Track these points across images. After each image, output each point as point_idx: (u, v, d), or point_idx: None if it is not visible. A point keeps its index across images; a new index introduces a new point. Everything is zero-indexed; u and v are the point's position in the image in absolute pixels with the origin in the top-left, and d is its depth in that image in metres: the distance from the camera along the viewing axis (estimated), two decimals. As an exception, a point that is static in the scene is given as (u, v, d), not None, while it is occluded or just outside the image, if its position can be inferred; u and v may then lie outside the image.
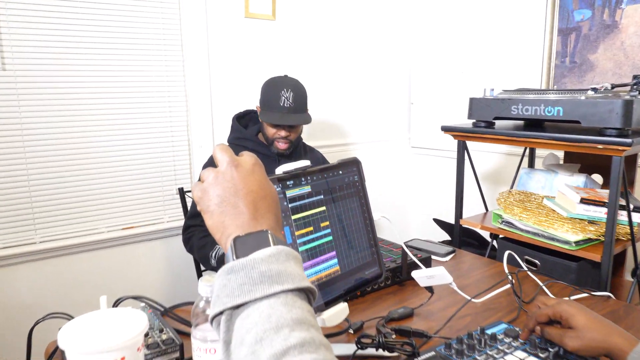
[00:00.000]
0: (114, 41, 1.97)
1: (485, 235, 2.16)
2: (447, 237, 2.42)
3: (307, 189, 0.80)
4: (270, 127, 1.77)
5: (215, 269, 1.72)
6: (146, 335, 0.91)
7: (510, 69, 2.34)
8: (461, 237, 1.75)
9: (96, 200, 2.01)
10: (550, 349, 0.89)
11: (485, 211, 1.81)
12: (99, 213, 2.02)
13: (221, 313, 0.49)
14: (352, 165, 0.89)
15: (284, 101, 1.72)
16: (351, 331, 1.02)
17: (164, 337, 0.91)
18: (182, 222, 2.22)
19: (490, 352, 0.89)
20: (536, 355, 0.88)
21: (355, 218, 0.87)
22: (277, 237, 0.55)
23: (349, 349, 0.92)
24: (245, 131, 1.86)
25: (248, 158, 0.62)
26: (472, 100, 1.55)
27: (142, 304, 0.99)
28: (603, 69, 2.02)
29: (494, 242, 1.80)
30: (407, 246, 1.20)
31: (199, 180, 0.63)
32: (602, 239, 1.33)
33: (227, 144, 1.89)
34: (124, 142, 2.05)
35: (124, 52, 2.00)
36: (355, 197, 0.88)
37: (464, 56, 2.57)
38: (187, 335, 0.96)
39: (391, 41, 2.81)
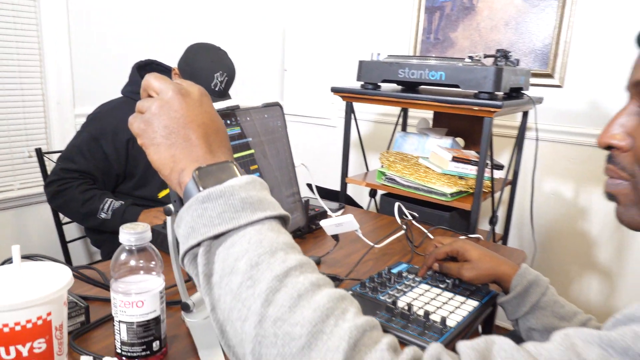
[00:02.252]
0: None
1: (356, 198, 2.31)
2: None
3: (237, 130, 0.77)
4: None
5: (103, 225, 1.54)
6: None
7: (383, 41, 2.48)
8: (340, 198, 1.84)
9: None
10: (448, 281, 1.00)
11: (366, 171, 1.92)
12: None
13: (198, 245, 0.45)
14: (276, 110, 0.88)
15: (217, 85, 1.56)
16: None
17: (65, 299, 0.81)
18: (38, 189, 1.96)
19: (399, 287, 0.97)
20: (437, 286, 0.98)
21: (281, 163, 0.87)
22: (239, 168, 0.52)
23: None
24: None
25: (195, 88, 0.56)
26: (361, 62, 1.62)
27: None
28: (461, 46, 2.26)
29: (375, 199, 1.93)
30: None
31: (137, 112, 0.56)
32: (471, 191, 1.52)
33: (121, 95, 1.69)
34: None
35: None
36: (280, 142, 0.87)
37: (339, 26, 2.64)
38: (91, 299, 0.87)
39: (264, 6, 2.77)
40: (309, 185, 2.62)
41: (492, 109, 1.35)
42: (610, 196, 0.57)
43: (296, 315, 0.39)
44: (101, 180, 1.59)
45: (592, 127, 1.96)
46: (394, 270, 1.04)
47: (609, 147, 0.56)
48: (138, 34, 2.19)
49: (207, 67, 1.55)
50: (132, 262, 0.70)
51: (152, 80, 0.55)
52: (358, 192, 2.47)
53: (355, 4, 2.57)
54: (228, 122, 0.75)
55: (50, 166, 1.80)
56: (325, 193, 2.54)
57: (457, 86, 1.43)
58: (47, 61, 1.92)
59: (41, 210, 1.98)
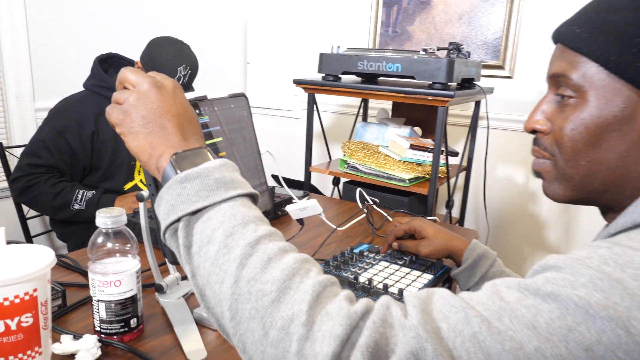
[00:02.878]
0: None
1: (320, 186, 2.38)
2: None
3: (205, 119, 0.81)
4: None
5: (77, 216, 1.55)
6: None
7: (343, 34, 2.55)
8: (305, 186, 1.91)
9: None
10: (405, 258, 1.08)
11: (329, 160, 1.99)
12: None
13: (178, 220, 0.51)
14: (241, 101, 0.93)
15: (181, 78, 1.59)
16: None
17: (41, 284, 0.84)
18: (1, 184, 1.94)
19: (360, 265, 1.04)
20: (395, 263, 1.06)
21: (247, 150, 0.92)
22: (213, 154, 0.58)
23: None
24: (109, 79, 1.65)
25: (169, 81, 0.61)
26: (322, 55, 1.68)
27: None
28: (418, 39, 2.36)
29: (338, 187, 2.00)
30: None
31: (114, 103, 0.60)
32: (428, 176, 1.61)
33: (83, 89, 1.69)
34: None
35: None
36: (246, 131, 0.92)
37: (300, 19, 2.69)
38: (67, 284, 0.90)
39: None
40: (275, 176, 2.68)
41: (445, 99, 1.44)
42: (537, 174, 0.66)
43: (267, 275, 0.45)
44: (68, 174, 1.59)
45: (540, 116, 2.09)
46: (356, 250, 1.11)
47: (534, 131, 0.64)
48: (98, 27, 2.18)
49: (170, 61, 1.57)
50: (109, 245, 0.74)
51: (128, 73, 0.60)
52: (322, 181, 2.54)
53: (313, 1, 2.62)
54: (196, 112, 0.79)
55: (12, 161, 1.79)
56: (289, 183, 2.61)
57: (412, 77, 1.51)
58: (4, 55, 1.89)
59: (4, 205, 1.96)
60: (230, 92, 2.15)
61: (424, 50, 1.51)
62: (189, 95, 0.79)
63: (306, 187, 1.85)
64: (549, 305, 0.42)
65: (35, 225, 1.97)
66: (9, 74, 1.91)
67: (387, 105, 2.16)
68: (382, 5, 2.41)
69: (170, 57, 1.57)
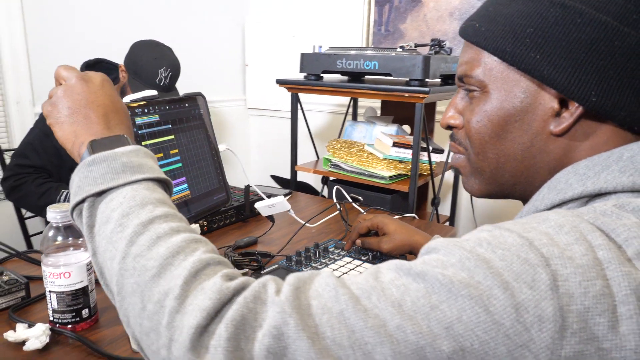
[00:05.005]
0: None
1: (317, 187, 2.40)
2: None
3: (155, 117, 0.84)
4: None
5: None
6: (-15, 277, 0.87)
7: (337, 35, 2.57)
8: (296, 184, 1.93)
9: None
10: (370, 254, 1.09)
11: (316, 159, 2.01)
12: None
13: (83, 201, 0.53)
14: (197, 100, 0.95)
15: (162, 80, 1.64)
16: (202, 259, 1.09)
17: (6, 278, 0.88)
18: (0, 186, 2.01)
19: (323, 260, 1.06)
20: (359, 259, 1.08)
21: (202, 148, 0.95)
22: (133, 142, 0.60)
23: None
24: None
25: (97, 75, 0.64)
26: (303, 55, 1.70)
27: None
28: (410, 37, 2.36)
29: (326, 186, 2.02)
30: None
31: (48, 97, 0.63)
32: (409, 174, 1.62)
33: None
34: None
35: None
36: (201, 129, 0.95)
37: (297, 21, 2.72)
38: (34, 278, 0.94)
39: (223, 2, 2.83)
40: (273, 177, 2.71)
41: (422, 95, 1.45)
42: (455, 169, 0.67)
43: (152, 252, 0.47)
44: (55, 174, 1.65)
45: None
46: (321, 246, 1.13)
47: (449, 127, 0.65)
48: (96, 32, 2.24)
49: (150, 63, 1.62)
50: (60, 238, 0.77)
51: (61, 70, 0.63)
52: (317, 181, 2.56)
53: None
54: (146, 110, 0.82)
55: (10, 164, 1.85)
56: (284, 183, 2.64)
57: (389, 74, 1.52)
58: (4, 62, 1.96)
59: (5, 206, 2.03)
60: (228, 94, 2.16)
61: (401, 47, 1.52)
62: (140, 94, 0.83)
63: (292, 186, 1.87)
64: (417, 284, 0.42)
65: (36, 224, 2.03)
66: (9, 80, 1.98)
67: (376, 103, 2.17)
68: (375, 4, 2.42)
69: (151, 59, 1.62)
